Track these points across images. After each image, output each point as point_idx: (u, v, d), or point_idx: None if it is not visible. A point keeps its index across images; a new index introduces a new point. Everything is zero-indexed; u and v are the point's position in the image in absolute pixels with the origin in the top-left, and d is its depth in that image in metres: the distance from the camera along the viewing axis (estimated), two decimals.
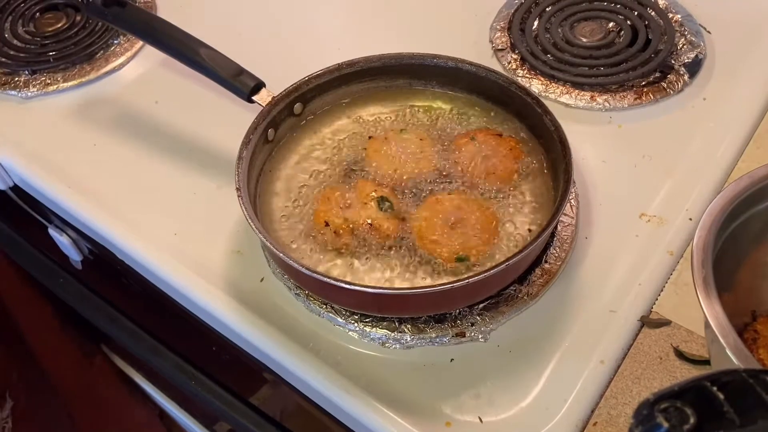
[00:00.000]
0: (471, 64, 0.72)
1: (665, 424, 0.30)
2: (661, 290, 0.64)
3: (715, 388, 0.32)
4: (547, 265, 0.65)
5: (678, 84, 0.79)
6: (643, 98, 0.78)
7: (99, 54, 0.89)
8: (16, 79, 0.87)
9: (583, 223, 0.69)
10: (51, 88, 0.86)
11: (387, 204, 0.66)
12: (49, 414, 1.14)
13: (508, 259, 0.57)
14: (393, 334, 0.62)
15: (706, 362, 0.59)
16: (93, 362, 1.24)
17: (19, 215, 0.95)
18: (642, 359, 0.60)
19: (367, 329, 0.63)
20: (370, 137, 0.72)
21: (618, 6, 0.87)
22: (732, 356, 0.47)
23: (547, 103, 0.68)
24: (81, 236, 0.90)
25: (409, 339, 0.62)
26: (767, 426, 0.32)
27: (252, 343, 0.65)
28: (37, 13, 0.95)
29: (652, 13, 0.86)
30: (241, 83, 0.70)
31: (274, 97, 0.70)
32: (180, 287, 0.69)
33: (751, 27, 0.85)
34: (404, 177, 0.69)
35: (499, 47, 0.85)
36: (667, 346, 0.60)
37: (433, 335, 0.62)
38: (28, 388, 1.12)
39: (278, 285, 0.67)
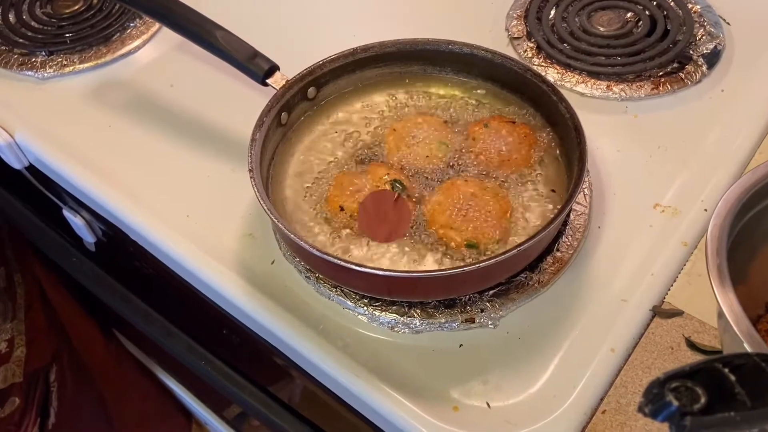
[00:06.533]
0: (486, 50, 0.72)
1: (675, 403, 0.30)
2: (674, 281, 0.64)
3: (727, 370, 0.32)
4: (558, 254, 0.65)
5: (696, 75, 0.78)
6: (660, 88, 0.77)
7: (115, 36, 0.89)
8: (33, 60, 0.87)
9: (597, 212, 0.69)
10: (67, 69, 0.87)
11: (400, 187, 0.66)
12: (79, 388, 1.16)
13: (519, 245, 0.57)
14: (402, 319, 0.62)
15: (718, 353, 0.58)
16: (111, 342, 1.26)
17: (34, 195, 0.95)
18: (653, 349, 0.59)
19: (377, 313, 0.63)
20: (383, 122, 0.72)
21: None
22: (745, 344, 0.46)
23: (562, 92, 0.68)
24: (95, 218, 0.91)
25: (418, 324, 0.62)
26: None
27: (262, 324, 0.65)
28: None
29: (671, 3, 0.85)
30: (255, 66, 0.70)
31: (288, 81, 0.70)
32: (192, 268, 0.69)
33: None
34: (417, 162, 0.68)
35: (515, 35, 0.84)
36: (678, 337, 0.60)
37: (443, 320, 0.62)
38: (64, 358, 1.15)
39: (289, 268, 0.67)
